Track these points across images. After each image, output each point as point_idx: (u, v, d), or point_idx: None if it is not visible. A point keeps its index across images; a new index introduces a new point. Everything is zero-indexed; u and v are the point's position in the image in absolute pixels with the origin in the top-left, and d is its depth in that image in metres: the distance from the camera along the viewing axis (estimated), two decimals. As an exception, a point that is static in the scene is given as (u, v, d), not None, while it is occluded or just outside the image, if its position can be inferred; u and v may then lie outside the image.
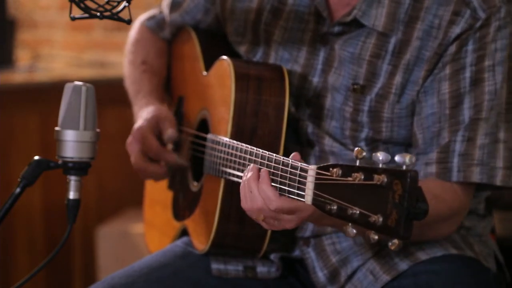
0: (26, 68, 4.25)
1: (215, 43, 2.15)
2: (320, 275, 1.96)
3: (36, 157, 1.73)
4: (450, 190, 1.83)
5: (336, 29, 1.93)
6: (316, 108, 1.96)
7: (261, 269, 1.97)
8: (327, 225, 1.91)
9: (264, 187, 1.61)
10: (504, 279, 2.05)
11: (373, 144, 1.92)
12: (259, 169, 1.64)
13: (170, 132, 2.04)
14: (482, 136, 1.83)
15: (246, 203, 1.65)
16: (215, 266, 1.96)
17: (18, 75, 4.07)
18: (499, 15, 1.85)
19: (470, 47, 1.84)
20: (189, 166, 2.10)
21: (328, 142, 1.94)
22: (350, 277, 1.93)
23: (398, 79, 1.88)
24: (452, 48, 1.85)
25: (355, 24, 1.91)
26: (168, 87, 2.30)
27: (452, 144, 1.84)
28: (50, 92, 3.52)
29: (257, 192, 1.62)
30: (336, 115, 1.93)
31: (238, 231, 1.89)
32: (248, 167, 1.67)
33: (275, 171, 1.61)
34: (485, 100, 1.83)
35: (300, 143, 1.96)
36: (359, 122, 1.91)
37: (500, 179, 1.84)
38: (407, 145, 1.92)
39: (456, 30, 1.84)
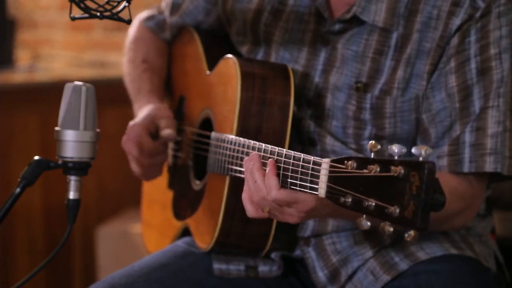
0: (26, 68, 4.25)
1: (217, 43, 2.15)
2: (321, 274, 1.96)
3: (36, 157, 1.73)
4: (464, 182, 1.83)
5: (337, 27, 1.93)
6: (317, 108, 1.96)
7: (262, 268, 1.97)
8: (335, 217, 1.91)
9: (269, 175, 1.61)
10: (504, 279, 2.05)
11: (377, 142, 1.91)
12: (261, 157, 1.64)
13: (166, 132, 2.04)
14: (494, 125, 1.82)
15: (251, 192, 1.64)
16: (217, 266, 1.96)
17: (18, 75, 4.07)
18: (498, 2, 1.84)
19: (472, 37, 1.84)
20: (190, 165, 2.10)
21: (329, 141, 1.94)
22: (350, 277, 1.93)
23: (400, 73, 1.88)
24: (455, 40, 1.84)
25: (356, 21, 1.91)
26: (169, 87, 2.30)
27: (462, 136, 1.83)
28: (50, 92, 3.52)
29: (261, 182, 1.62)
30: (337, 114, 1.93)
31: (242, 230, 1.89)
32: (250, 155, 1.67)
33: (285, 166, 1.61)
34: (493, 89, 1.83)
35: (302, 142, 1.96)
36: (362, 120, 1.91)
37: (508, 168, 1.84)
38: (411, 142, 1.92)
39: (456, 21, 1.84)
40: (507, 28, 1.84)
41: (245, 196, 1.67)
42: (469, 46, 1.84)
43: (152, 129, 2.06)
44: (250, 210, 1.67)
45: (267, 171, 1.62)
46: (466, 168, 1.82)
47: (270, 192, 1.60)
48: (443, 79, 1.86)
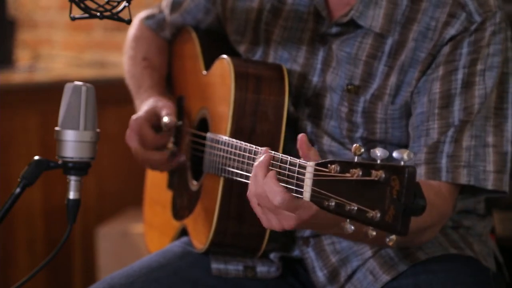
0: (26, 68, 4.25)
1: (215, 42, 2.15)
2: (320, 275, 1.96)
3: (36, 157, 1.73)
4: (440, 194, 1.82)
5: (334, 29, 1.93)
6: (315, 107, 1.96)
7: (261, 268, 1.97)
8: (325, 232, 1.90)
9: (269, 180, 1.55)
10: (504, 279, 2.06)
11: (370, 144, 1.92)
12: (271, 157, 1.58)
13: (165, 119, 2.04)
14: (468, 138, 1.82)
15: (250, 186, 1.59)
16: (215, 265, 1.96)
17: (18, 75, 4.07)
18: (494, 20, 1.85)
19: (464, 49, 1.84)
20: (188, 165, 2.10)
21: (326, 141, 1.94)
22: (350, 277, 1.93)
23: (392, 80, 1.88)
24: (446, 49, 1.85)
25: (353, 25, 1.91)
26: (169, 86, 2.30)
27: (441, 145, 1.83)
28: (50, 92, 3.52)
29: (261, 180, 1.57)
30: (334, 115, 1.94)
31: (238, 230, 1.89)
32: (261, 150, 1.63)
33: (273, 168, 1.60)
34: (475, 104, 1.83)
35: (299, 142, 1.96)
36: (353, 122, 1.91)
37: (492, 183, 1.83)
38: (402, 146, 1.91)
39: (451, 31, 1.85)
40: (498, 47, 1.85)
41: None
42: (459, 58, 1.84)
43: (154, 121, 2.07)
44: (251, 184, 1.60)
45: (268, 176, 1.56)
46: (443, 177, 1.82)
47: (274, 196, 1.53)
48: (428, 85, 1.86)
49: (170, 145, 2.09)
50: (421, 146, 1.85)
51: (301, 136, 1.57)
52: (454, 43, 1.84)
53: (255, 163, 1.60)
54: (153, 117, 2.06)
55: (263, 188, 1.56)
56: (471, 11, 1.84)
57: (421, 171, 1.83)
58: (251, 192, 1.60)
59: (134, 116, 2.06)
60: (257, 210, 1.61)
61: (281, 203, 1.54)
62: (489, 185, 1.83)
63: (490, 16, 1.85)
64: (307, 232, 1.97)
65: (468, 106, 1.83)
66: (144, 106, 2.10)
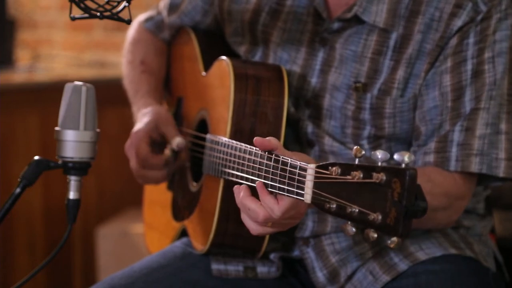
0: (26, 68, 4.25)
1: (214, 43, 2.15)
2: (320, 275, 1.96)
3: (36, 157, 1.73)
4: (449, 177, 1.83)
5: (336, 25, 1.93)
6: (315, 108, 1.96)
7: (261, 269, 1.97)
8: None
9: (264, 198, 1.58)
10: (503, 279, 2.06)
11: (376, 142, 1.92)
12: (248, 186, 1.62)
13: (178, 140, 2.04)
14: (483, 126, 1.83)
15: (250, 221, 1.62)
16: (215, 266, 1.96)
17: (18, 75, 4.07)
18: (500, 7, 1.86)
19: (471, 39, 1.85)
20: (188, 167, 2.10)
21: (328, 141, 1.94)
22: (350, 277, 1.93)
23: (400, 73, 1.89)
24: (454, 41, 1.85)
25: (355, 21, 1.91)
26: (168, 88, 2.30)
27: (450, 134, 1.84)
28: (50, 92, 3.52)
29: (255, 206, 1.59)
30: (336, 115, 1.94)
31: (238, 231, 1.89)
32: (235, 189, 1.64)
33: (274, 171, 1.60)
34: (485, 91, 1.84)
35: (300, 143, 1.96)
36: (361, 120, 1.91)
37: (503, 170, 1.84)
38: (409, 142, 1.92)
39: (458, 22, 1.85)
40: (505, 33, 1.85)
41: (245, 217, 1.64)
42: (467, 48, 1.85)
43: (155, 136, 2.05)
44: (255, 229, 1.63)
45: (260, 194, 1.59)
46: (452, 166, 1.83)
47: (273, 212, 1.57)
48: (438, 77, 1.86)
49: (167, 151, 2.08)
50: (433, 138, 1.85)
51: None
52: (461, 34, 1.85)
53: (240, 197, 1.61)
54: (153, 131, 2.06)
55: (262, 210, 1.58)
56: (477, 1, 1.85)
57: (430, 159, 1.84)
58: (252, 225, 1.63)
59: (135, 129, 2.05)
60: (267, 230, 1.64)
61: (283, 212, 1.57)
62: (501, 172, 1.84)
63: (496, 4, 1.86)
64: (307, 233, 1.97)
65: (479, 95, 1.84)
66: (144, 117, 2.08)
